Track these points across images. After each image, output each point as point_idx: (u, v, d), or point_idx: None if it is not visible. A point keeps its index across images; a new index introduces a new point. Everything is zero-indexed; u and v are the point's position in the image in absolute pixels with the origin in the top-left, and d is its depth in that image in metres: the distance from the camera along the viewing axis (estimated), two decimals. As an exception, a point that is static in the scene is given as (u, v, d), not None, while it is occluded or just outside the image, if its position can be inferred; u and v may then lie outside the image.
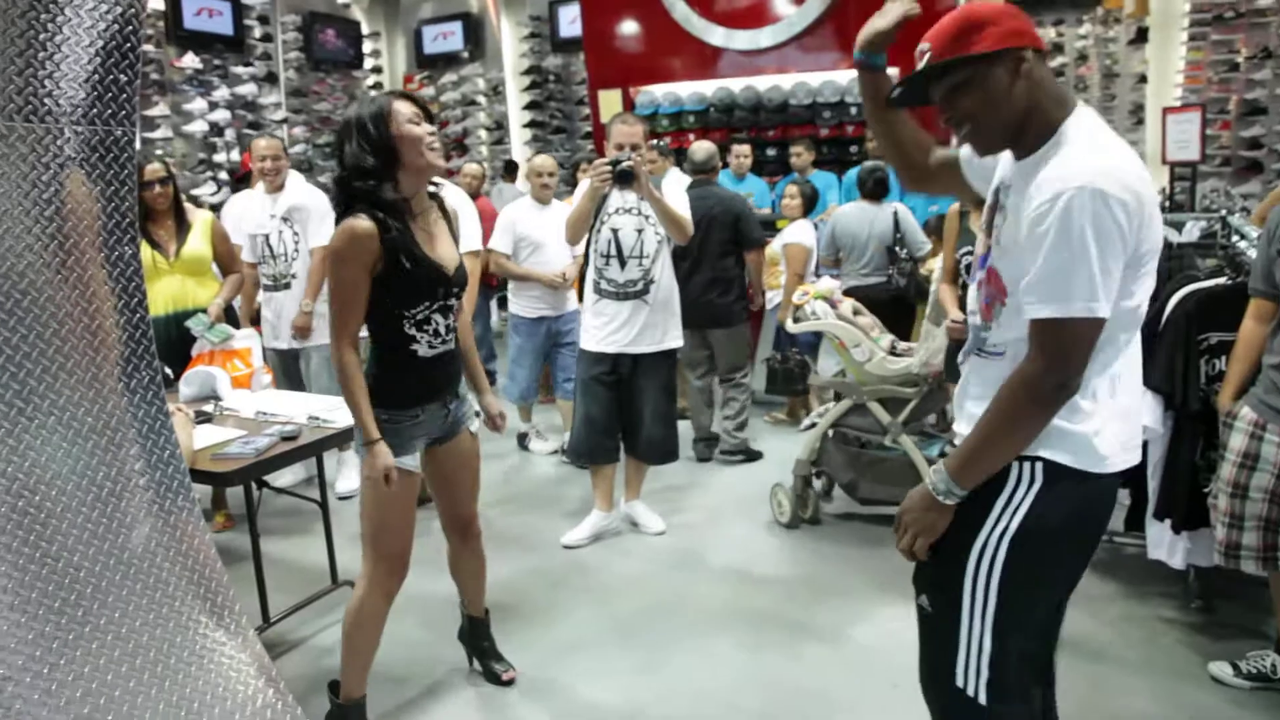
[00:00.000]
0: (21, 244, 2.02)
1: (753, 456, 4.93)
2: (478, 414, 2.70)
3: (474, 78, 10.50)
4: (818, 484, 4.22)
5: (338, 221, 2.26)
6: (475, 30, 10.41)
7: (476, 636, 2.87)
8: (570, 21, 9.55)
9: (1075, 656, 2.91)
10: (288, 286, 4.38)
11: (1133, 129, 8.06)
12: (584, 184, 3.78)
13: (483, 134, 10.61)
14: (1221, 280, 2.91)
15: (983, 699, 1.63)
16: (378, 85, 10.80)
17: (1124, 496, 3.63)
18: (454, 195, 3.83)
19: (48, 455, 2.08)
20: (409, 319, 2.33)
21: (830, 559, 3.74)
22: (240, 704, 2.25)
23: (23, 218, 2.01)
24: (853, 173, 6.56)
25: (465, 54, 10.47)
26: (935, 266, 4.92)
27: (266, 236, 4.37)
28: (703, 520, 4.18)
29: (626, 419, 3.87)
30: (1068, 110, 1.60)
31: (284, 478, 4.22)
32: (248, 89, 8.74)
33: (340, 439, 2.99)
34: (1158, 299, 3.10)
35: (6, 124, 1.96)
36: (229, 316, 4.07)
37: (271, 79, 9.05)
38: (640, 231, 3.69)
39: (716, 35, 7.66)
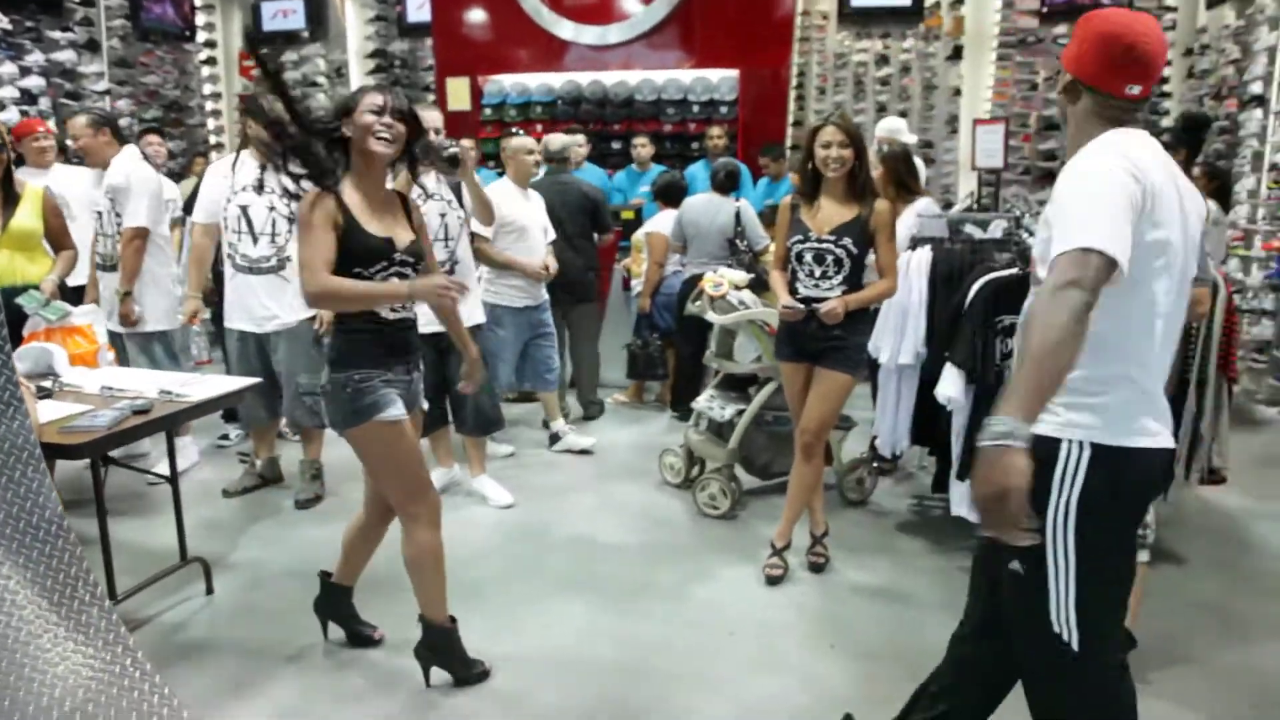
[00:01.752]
0: None
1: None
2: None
3: (315, 58, 10.19)
4: (678, 461, 4.48)
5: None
6: (317, 9, 10.11)
7: (340, 604, 2.92)
8: (418, 6, 9.46)
9: (887, 601, 3.29)
10: (114, 268, 4.18)
11: (948, 138, 8.77)
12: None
13: (322, 115, 10.29)
14: (1014, 270, 3.32)
15: (1075, 642, 1.79)
16: (211, 60, 10.32)
17: (932, 463, 4.07)
18: None
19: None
20: (367, 280, 2.45)
21: (670, 526, 3.99)
22: (97, 671, 2.25)
23: None
24: (691, 168, 6.88)
25: (306, 33, 10.14)
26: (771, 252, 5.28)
27: (99, 214, 4.21)
28: (551, 493, 4.34)
29: (451, 396, 4.03)
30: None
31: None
32: (65, 55, 8.17)
33: (194, 413, 2.97)
34: (963, 288, 3.51)
35: None
36: (64, 293, 3.90)
37: (93, 47, 8.50)
38: (444, 215, 3.79)
39: (565, 29, 7.83)
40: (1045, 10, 8.39)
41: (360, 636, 2.93)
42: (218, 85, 10.37)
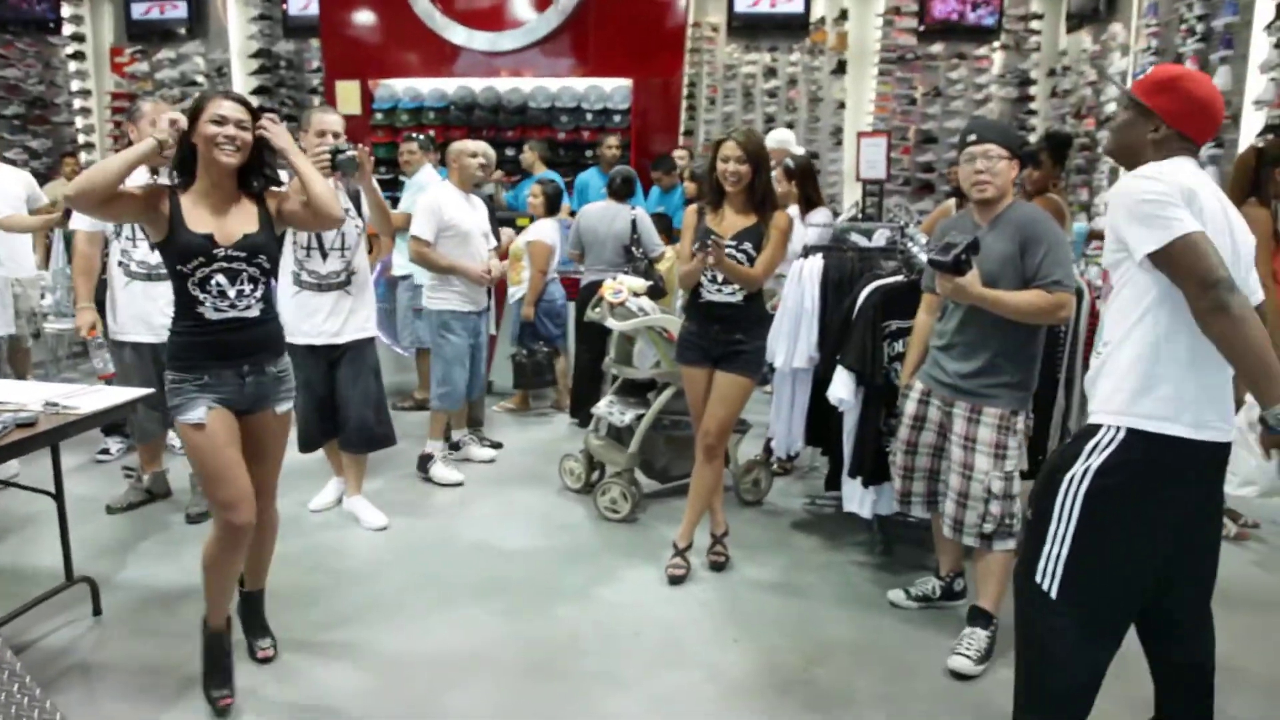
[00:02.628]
0: None
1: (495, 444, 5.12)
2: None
3: (194, 56, 9.83)
4: (578, 467, 4.52)
5: None
6: (196, 5, 9.75)
7: (249, 612, 2.88)
8: (304, 6, 9.24)
9: (786, 595, 3.42)
10: None
11: (833, 149, 9.11)
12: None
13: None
14: (899, 278, 3.50)
15: (1053, 592, 2.05)
16: (79, 55, 9.82)
17: (824, 463, 4.24)
18: None
19: None
20: (189, 278, 2.47)
21: (572, 530, 4.03)
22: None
23: None
24: (583, 175, 6.95)
25: (183, 30, 9.77)
26: (668, 262, 5.38)
27: None
28: (453, 501, 4.32)
29: (338, 409, 3.91)
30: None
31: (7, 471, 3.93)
32: (-84, 47, 7.68)
33: (81, 426, 2.84)
34: (853, 294, 3.68)
35: None
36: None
37: (-54, 38, 8.01)
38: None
39: (458, 34, 7.79)
40: (922, 29, 8.82)
41: (250, 647, 2.89)
42: (86, 81, 9.89)
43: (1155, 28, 6.44)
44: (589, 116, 7.82)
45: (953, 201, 5.67)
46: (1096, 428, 2.02)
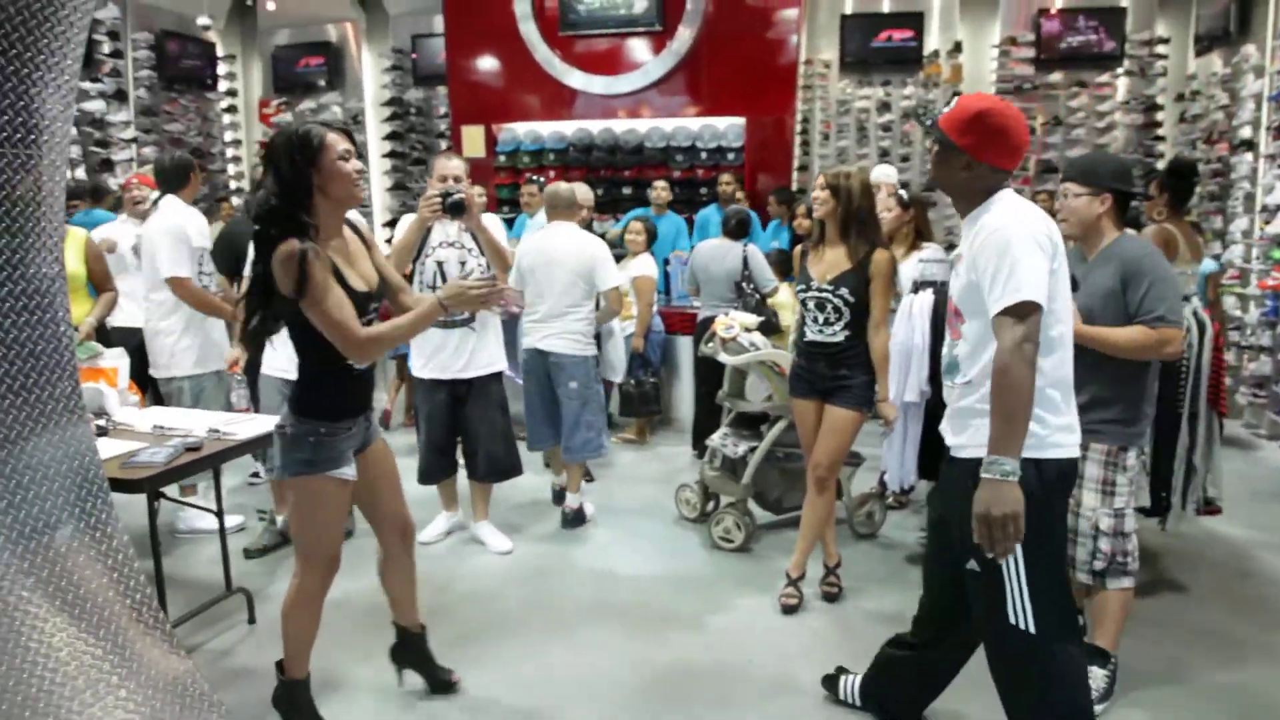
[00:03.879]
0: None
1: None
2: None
3: (332, 106, 10.51)
4: (694, 497, 4.64)
5: (267, 243, 2.35)
6: (335, 59, 10.46)
7: (413, 650, 2.96)
8: (432, 57, 9.78)
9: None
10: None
11: (948, 181, 9.00)
12: (407, 216, 4.01)
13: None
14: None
15: (1033, 629, 2.16)
16: (232, 109, 10.65)
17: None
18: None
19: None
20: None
21: (687, 558, 4.14)
22: (162, 690, 2.40)
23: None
24: (704, 212, 7.12)
25: (323, 82, 10.48)
26: (782, 299, 5.47)
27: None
28: (571, 531, 4.49)
29: (465, 441, 4.14)
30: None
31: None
32: (95, 106, 8.48)
33: (239, 451, 3.14)
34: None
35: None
36: (101, 336, 4.09)
37: (121, 96, 8.82)
38: (464, 264, 3.93)
39: (576, 79, 8.12)
40: (1040, 57, 8.67)
41: (437, 682, 2.96)
42: (238, 132, 10.70)
43: (1291, 49, 6.19)
44: (703, 155, 8.01)
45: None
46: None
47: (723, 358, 4.36)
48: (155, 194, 4.53)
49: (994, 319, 2.07)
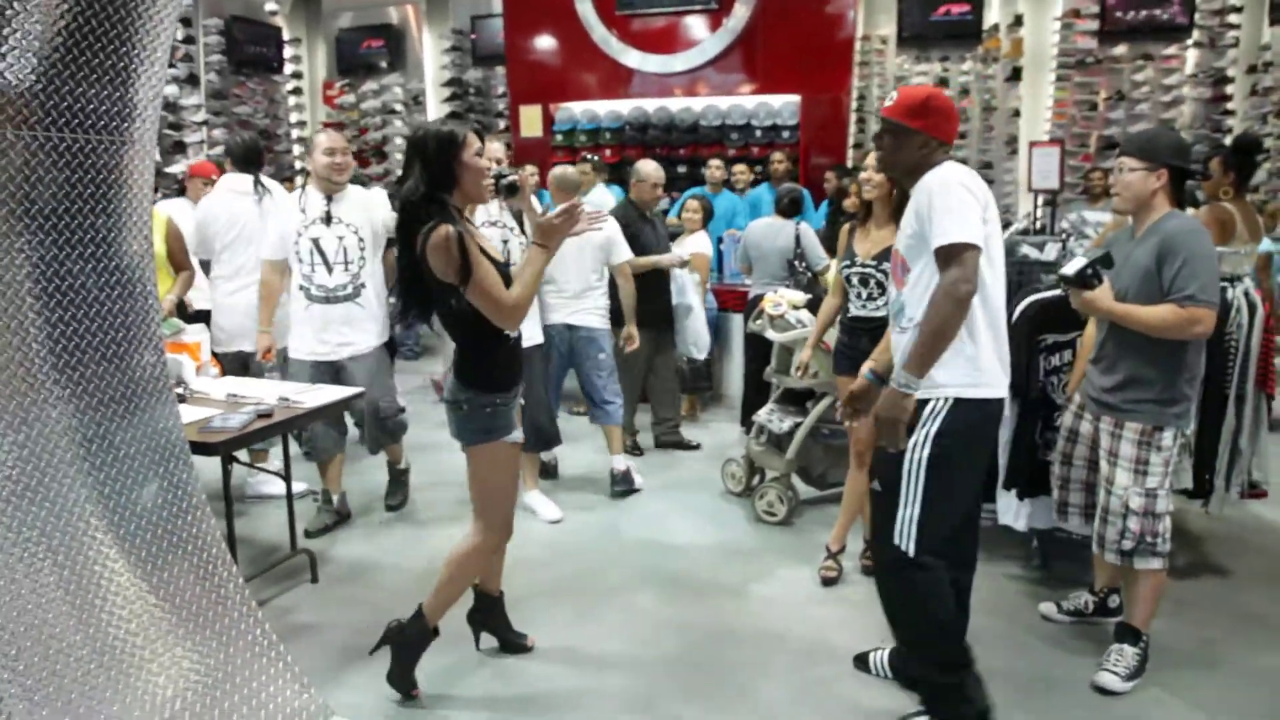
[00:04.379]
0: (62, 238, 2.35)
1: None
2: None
3: (394, 87, 10.75)
4: (739, 471, 4.75)
5: (414, 229, 2.55)
6: (396, 40, 10.68)
7: (492, 614, 3.11)
8: (491, 37, 9.93)
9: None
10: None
11: (1008, 158, 8.89)
12: None
13: (399, 142, 10.86)
14: (1056, 292, 3.52)
15: (911, 551, 2.45)
16: (297, 90, 10.95)
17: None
18: (367, 198, 4.14)
19: (64, 422, 2.39)
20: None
21: (732, 529, 4.26)
22: (230, 642, 2.60)
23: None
24: (757, 190, 7.16)
25: (385, 64, 10.72)
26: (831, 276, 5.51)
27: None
28: (619, 501, 4.64)
29: None
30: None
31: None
32: (169, 90, 8.83)
33: (308, 418, 3.34)
34: (1009, 308, 3.73)
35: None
36: (181, 313, 4.33)
37: (193, 81, 9.15)
38: (506, 242, 4.07)
39: (633, 58, 8.19)
40: (1105, 30, 8.48)
41: (512, 645, 3.13)
42: (303, 114, 11.00)
43: (1368, 21, 5.99)
44: (758, 133, 8.03)
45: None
46: (925, 401, 2.42)
47: (770, 334, 4.45)
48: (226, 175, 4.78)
49: (935, 255, 2.36)
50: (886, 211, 3.51)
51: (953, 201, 2.37)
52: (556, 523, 4.31)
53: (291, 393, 3.43)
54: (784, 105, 7.96)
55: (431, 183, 2.56)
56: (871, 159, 3.53)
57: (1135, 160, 2.87)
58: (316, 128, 10.82)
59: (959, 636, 2.64)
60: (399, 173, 7.14)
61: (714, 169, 7.14)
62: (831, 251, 5.69)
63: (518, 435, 2.77)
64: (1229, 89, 8.34)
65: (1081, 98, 8.65)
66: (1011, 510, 3.62)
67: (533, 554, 3.96)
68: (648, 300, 4.99)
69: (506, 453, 2.74)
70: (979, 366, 2.41)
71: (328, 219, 3.98)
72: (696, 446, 5.40)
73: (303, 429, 4.34)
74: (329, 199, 4.00)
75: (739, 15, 7.79)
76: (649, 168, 5.15)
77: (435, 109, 10.61)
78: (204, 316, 4.64)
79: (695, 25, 8.03)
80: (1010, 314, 3.58)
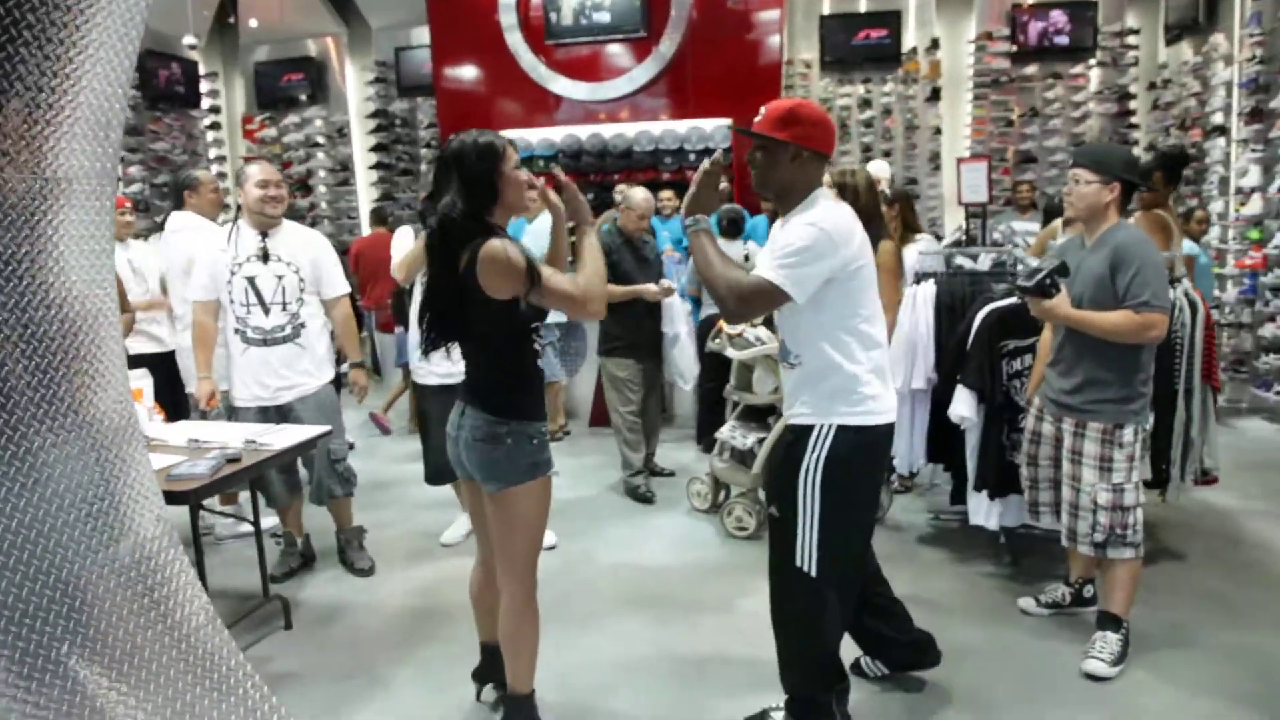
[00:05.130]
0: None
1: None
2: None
3: (316, 119, 10.57)
4: (704, 489, 4.76)
5: (456, 249, 2.38)
6: (317, 73, 10.51)
7: (496, 665, 2.84)
8: (418, 67, 9.85)
9: (913, 606, 3.52)
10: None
11: (931, 174, 9.19)
12: (405, 228, 4.11)
13: (322, 174, 10.67)
14: (1014, 300, 3.64)
15: (813, 572, 2.44)
16: (215, 125, 10.67)
17: (945, 479, 4.36)
18: (306, 235, 3.90)
19: (46, 472, 2.27)
20: (534, 330, 2.52)
21: (706, 548, 4.27)
22: (225, 694, 2.49)
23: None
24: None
25: (305, 97, 10.53)
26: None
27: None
28: (585, 527, 4.59)
29: None
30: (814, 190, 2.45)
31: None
32: (82, 128, 8.51)
33: (276, 460, 3.22)
34: (967, 316, 3.85)
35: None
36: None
37: (107, 118, 8.83)
38: None
39: (563, 85, 8.23)
40: (1016, 51, 8.87)
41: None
42: (223, 149, 10.72)
43: (1260, 36, 6.40)
44: (692, 157, 8.13)
45: (1059, 222, 5.75)
46: (809, 428, 2.44)
47: (730, 353, 4.49)
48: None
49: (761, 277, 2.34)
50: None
51: (804, 253, 2.31)
52: (551, 549, 4.23)
53: (257, 435, 3.31)
54: (716, 129, 8.08)
55: (471, 198, 2.39)
56: (828, 177, 3.60)
57: (1089, 173, 3.00)
58: (237, 163, 10.55)
59: (838, 671, 2.69)
60: (324, 206, 6.83)
61: (664, 200, 7.14)
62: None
63: (554, 468, 2.62)
64: (1132, 104, 8.79)
65: (997, 115, 9.01)
66: (982, 511, 3.72)
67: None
68: (635, 331, 4.94)
69: (548, 488, 2.57)
70: (860, 393, 2.41)
71: (264, 256, 3.73)
72: (671, 473, 5.33)
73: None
74: (264, 234, 3.74)
75: (668, 42, 7.91)
76: (638, 196, 4.96)
77: (360, 141, 10.45)
78: (144, 361, 4.46)
79: (624, 53, 8.13)
80: (970, 322, 3.71)
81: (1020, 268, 3.87)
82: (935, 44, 9.04)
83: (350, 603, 3.75)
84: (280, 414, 3.78)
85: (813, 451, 2.42)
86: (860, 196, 3.54)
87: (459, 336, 2.51)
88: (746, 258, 5.56)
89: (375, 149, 10.30)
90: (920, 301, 4.05)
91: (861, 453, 2.44)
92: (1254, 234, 6.38)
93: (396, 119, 10.32)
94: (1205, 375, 3.73)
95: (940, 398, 3.90)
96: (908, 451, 4.17)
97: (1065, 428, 3.11)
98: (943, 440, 4.03)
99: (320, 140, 10.58)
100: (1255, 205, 6.39)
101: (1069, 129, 8.91)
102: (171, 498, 2.81)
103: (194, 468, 2.98)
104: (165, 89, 9.79)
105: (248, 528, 3.77)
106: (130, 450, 2.49)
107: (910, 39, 9.15)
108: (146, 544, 2.49)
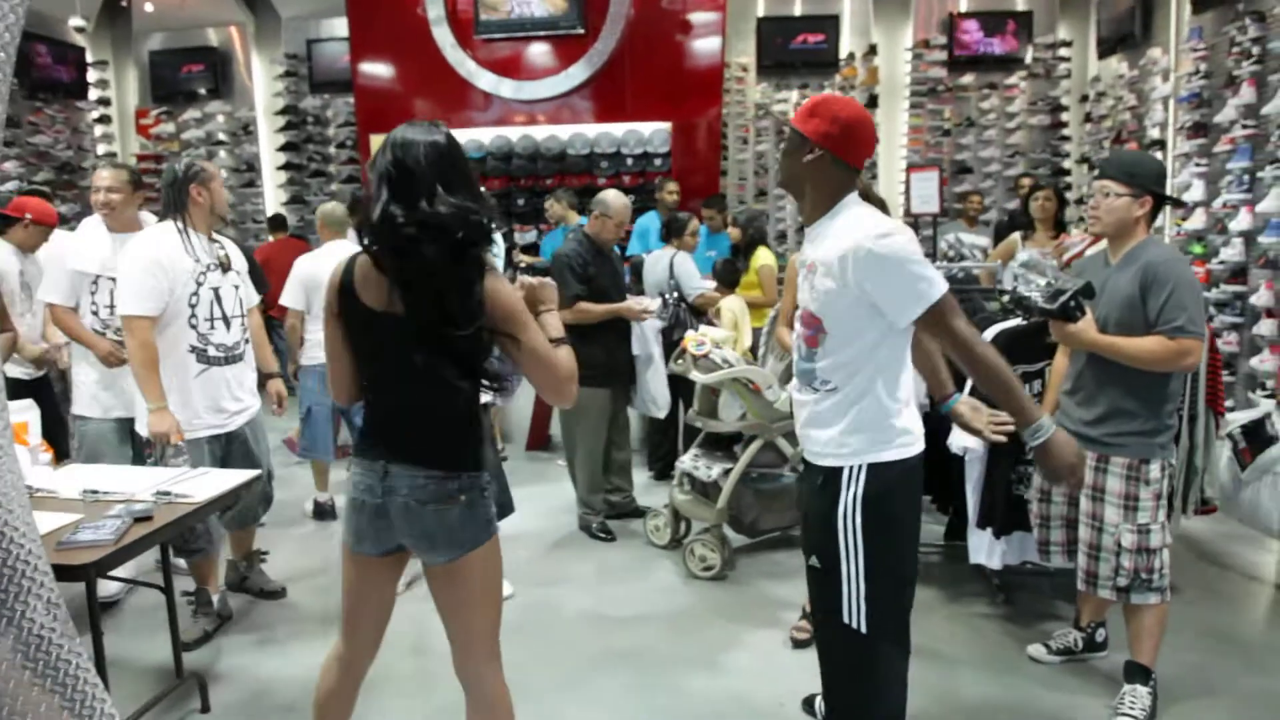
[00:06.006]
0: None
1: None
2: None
3: (218, 115, 9.80)
4: (662, 523, 4.39)
5: (453, 261, 1.94)
6: (220, 65, 9.74)
7: None
8: (332, 61, 9.23)
9: (918, 656, 3.24)
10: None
11: (868, 181, 9.05)
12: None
13: (225, 174, 9.90)
14: (1018, 321, 3.39)
15: (864, 629, 2.11)
16: (105, 119, 9.80)
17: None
18: (229, 241, 3.52)
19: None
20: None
21: (674, 593, 3.88)
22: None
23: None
24: (643, 219, 6.86)
25: (206, 90, 9.74)
26: (724, 306, 5.25)
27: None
28: (544, 569, 4.17)
29: None
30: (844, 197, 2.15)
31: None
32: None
33: (198, 515, 2.69)
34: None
35: None
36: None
37: (-21, 108, 7.95)
38: None
39: (492, 83, 7.77)
40: (952, 60, 8.80)
41: None
42: (113, 145, 9.86)
43: (1202, 51, 6.39)
44: (629, 161, 7.77)
45: (1016, 236, 5.60)
46: (839, 469, 2.13)
47: (695, 376, 4.13)
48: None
49: (922, 323, 2.04)
50: None
51: (904, 257, 2.01)
52: (508, 598, 3.77)
53: (170, 482, 2.77)
54: (654, 133, 7.75)
55: (474, 197, 1.97)
56: None
57: (1119, 185, 2.77)
58: (129, 160, 9.68)
59: (902, 715, 2.27)
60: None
61: (552, 205, 6.67)
62: (732, 283, 5.44)
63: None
64: (1064, 116, 8.81)
65: (934, 124, 8.92)
66: (984, 549, 3.45)
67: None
68: (609, 353, 4.45)
69: (498, 540, 2.15)
70: (893, 426, 2.11)
71: (225, 265, 3.33)
72: (643, 512, 4.72)
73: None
74: (217, 242, 3.39)
75: (606, 40, 7.53)
76: (619, 202, 4.39)
77: (268, 139, 9.74)
78: (25, 388, 3.85)
79: (560, 50, 7.71)
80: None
81: (1025, 288, 3.62)
82: (873, 50, 8.90)
83: (275, 675, 3.21)
84: (228, 441, 3.37)
85: (847, 491, 2.11)
86: (871, 200, 3.24)
87: (420, 372, 2.01)
88: (671, 265, 5.12)
89: (284, 148, 9.59)
90: (908, 321, 3.76)
91: (900, 488, 2.14)
92: (1197, 249, 6.37)
93: (308, 116, 9.64)
94: (1210, 401, 3.55)
95: (934, 425, 3.61)
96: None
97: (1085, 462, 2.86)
98: (932, 471, 3.74)
99: (223, 138, 9.82)
100: (1198, 219, 6.38)
101: (1003, 140, 8.88)
102: (64, 573, 2.26)
103: (96, 532, 2.41)
104: (47, 77, 8.90)
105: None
106: (14, 514, 1.97)
107: (848, 45, 8.99)
108: (33, 640, 1.98)
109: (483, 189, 2.09)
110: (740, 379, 4.03)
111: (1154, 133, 7.20)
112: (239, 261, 3.44)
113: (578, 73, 7.66)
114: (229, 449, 3.37)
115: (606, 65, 7.61)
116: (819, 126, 2.08)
